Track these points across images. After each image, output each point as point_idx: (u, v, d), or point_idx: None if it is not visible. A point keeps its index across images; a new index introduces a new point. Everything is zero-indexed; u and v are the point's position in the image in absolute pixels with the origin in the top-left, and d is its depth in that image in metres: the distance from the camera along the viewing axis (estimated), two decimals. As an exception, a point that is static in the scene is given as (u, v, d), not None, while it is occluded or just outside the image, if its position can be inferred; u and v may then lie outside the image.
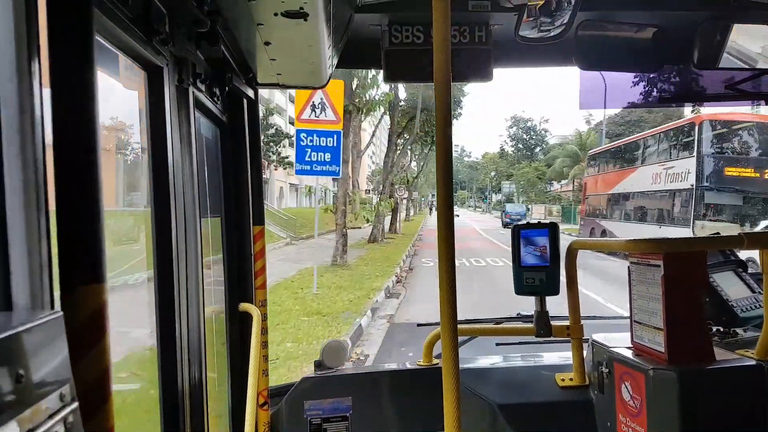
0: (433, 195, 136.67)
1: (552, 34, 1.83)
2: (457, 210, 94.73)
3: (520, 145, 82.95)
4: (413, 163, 53.87)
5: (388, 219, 32.93)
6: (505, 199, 74.38)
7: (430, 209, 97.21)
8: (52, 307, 0.71)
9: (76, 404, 0.64)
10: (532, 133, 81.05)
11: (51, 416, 0.58)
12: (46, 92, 0.76)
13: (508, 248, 2.21)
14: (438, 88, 1.05)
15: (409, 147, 37.92)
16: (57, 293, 0.76)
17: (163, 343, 1.29)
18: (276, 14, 1.37)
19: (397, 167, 35.62)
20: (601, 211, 25.69)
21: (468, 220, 66.82)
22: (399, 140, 29.60)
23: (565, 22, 1.79)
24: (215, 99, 1.74)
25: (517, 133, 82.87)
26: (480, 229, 43.79)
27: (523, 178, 68.93)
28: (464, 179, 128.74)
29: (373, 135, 35.42)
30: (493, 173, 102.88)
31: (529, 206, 59.25)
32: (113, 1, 0.97)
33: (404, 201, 51.54)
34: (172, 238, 1.29)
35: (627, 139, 26.82)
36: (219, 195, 1.98)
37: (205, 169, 1.74)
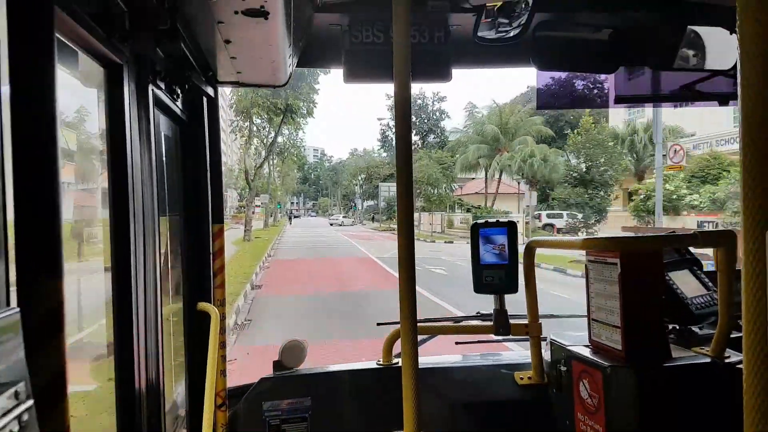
0: (292, 202, 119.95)
1: (510, 35, 1.83)
2: (317, 219, 76.39)
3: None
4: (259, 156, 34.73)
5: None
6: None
7: (290, 218, 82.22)
8: (8, 303, 0.70)
9: (31, 402, 0.64)
10: (424, 116, 58.93)
11: (5, 414, 0.59)
12: (5, 89, 0.76)
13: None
14: (397, 88, 1.06)
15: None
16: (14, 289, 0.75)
17: (120, 342, 1.27)
18: (236, 12, 1.36)
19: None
20: None
21: (342, 235, 45.27)
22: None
23: (522, 23, 1.79)
24: (175, 97, 1.72)
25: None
26: (379, 258, 23.41)
27: (420, 174, 44.47)
28: (326, 184, 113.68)
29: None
30: (362, 175, 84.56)
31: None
32: None
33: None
34: (130, 236, 1.27)
35: None
36: (178, 193, 1.96)
37: (165, 166, 1.72)
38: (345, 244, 33.98)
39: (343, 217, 77.17)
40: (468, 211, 45.59)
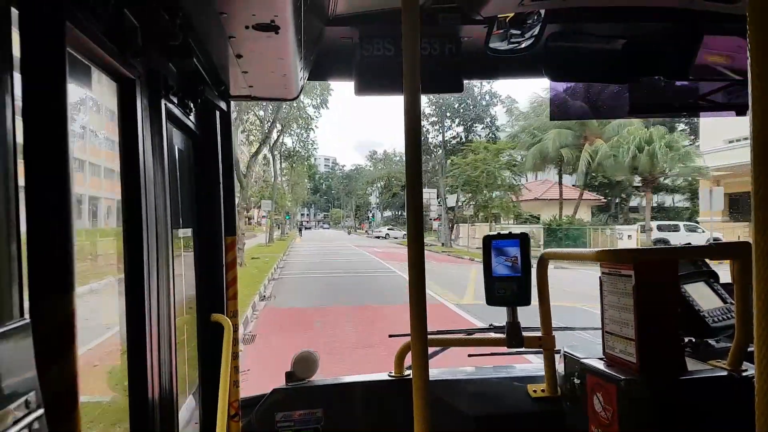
0: (303, 214, 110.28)
1: (522, 46, 1.84)
2: (330, 231, 66.36)
3: (450, 121, 44.24)
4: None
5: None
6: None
7: (300, 230, 76.11)
8: (22, 315, 0.71)
9: (41, 411, 0.65)
10: (470, 101, 44.45)
11: (16, 422, 0.60)
12: (18, 105, 0.76)
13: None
14: (407, 101, 1.06)
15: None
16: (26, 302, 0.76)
17: (133, 353, 1.27)
18: (247, 27, 1.37)
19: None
20: None
21: (366, 252, 34.11)
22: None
23: (534, 34, 1.80)
24: (188, 111, 1.72)
25: (445, 100, 42.44)
26: (460, 307, 12.59)
27: (474, 171, 32.44)
28: (338, 195, 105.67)
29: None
30: (381, 183, 74.29)
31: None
32: (86, 15, 0.96)
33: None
34: (143, 250, 1.27)
35: None
36: (191, 206, 1.97)
37: (178, 180, 1.73)
38: (379, 269, 23.20)
39: (389, 229, 62.76)
40: (526, 222, 34.70)
